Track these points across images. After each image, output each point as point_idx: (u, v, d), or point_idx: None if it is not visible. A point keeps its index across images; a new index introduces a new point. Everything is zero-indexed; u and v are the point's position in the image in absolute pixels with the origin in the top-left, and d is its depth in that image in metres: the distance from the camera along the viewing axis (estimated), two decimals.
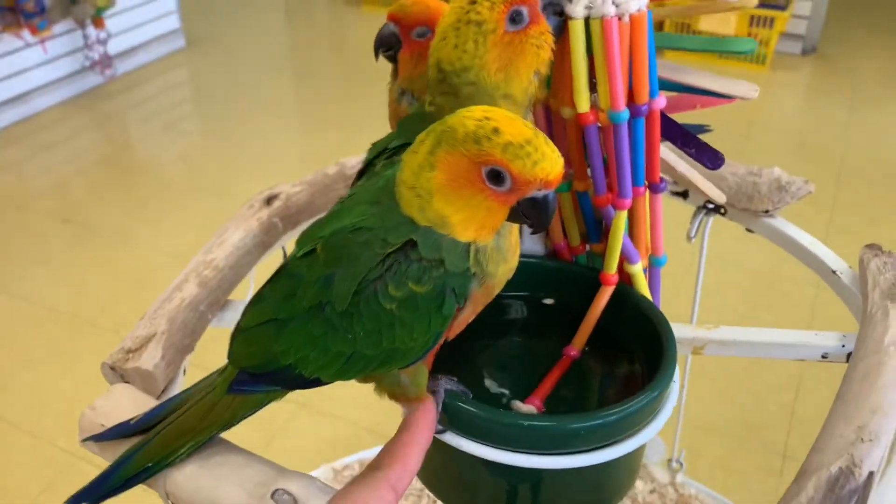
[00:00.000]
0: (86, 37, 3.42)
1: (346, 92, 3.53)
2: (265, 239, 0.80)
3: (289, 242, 0.82)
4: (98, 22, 3.39)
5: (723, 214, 0.90)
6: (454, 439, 0.52)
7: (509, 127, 0.47)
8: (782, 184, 0.86)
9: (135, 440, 0.56)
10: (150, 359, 0.65)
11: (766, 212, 0.86)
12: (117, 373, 0.66)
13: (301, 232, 0.55)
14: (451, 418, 0.53)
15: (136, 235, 2.56)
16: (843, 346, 0.72)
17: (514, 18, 0.52)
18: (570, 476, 0.53)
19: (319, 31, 4.42)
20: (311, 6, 4.70)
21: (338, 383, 0.54)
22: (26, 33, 3.17)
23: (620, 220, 0.56)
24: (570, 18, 0.52)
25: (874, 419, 0.58)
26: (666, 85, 0.56)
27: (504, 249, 0.51)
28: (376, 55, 0.72)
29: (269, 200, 0.80)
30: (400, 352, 0.50)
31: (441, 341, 0.52)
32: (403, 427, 0.52)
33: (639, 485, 1.13)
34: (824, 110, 3.40)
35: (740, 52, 0.52)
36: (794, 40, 3.87)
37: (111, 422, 0.58)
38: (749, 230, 0.90)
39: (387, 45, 0.70)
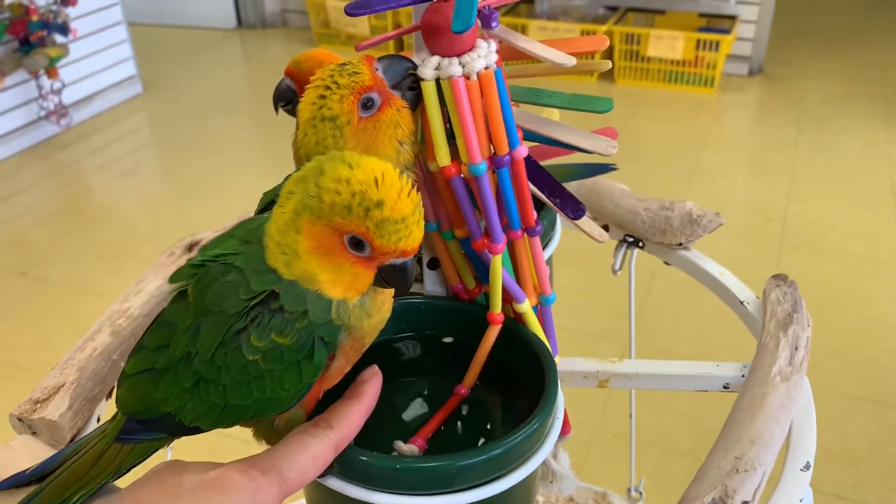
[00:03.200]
0: (40, 87, 3.42)
1: None
2: None
3: None
4: (52, 72, 3.40)
5: (641, 248, 0.92)
6: (339, 484, 0.53)
7: (395, 202, 0.46)
8: (694, 217, 0.88)
9: (29, 490, 0.56)
10: (55, 409, 0.66)
11: (680, 244, 0.89)
12: (25, 423, 0.67)
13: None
14: (332, 463, 0.53)
15: (95, 285, 2.55)
16: (743, 376, 0.74)
17: (366, 105, 0.54)
18: None
19: (276, 72, 4.41)
20: (267, 49, 4.74)
21: None
22: None
23: (497, 264, 0.59)
24: (422, 80, 0.54)
25: (752, 449, 0.59)
26: (534, 136, 0.59)
27: (368, 306, 0.51)
28: (276, 109, 0.75)
29: (190, 247, 0.81)
30: (273, 401, 0.51)
31: (318, 391, 0.53)
32: (353, 395, 0.53)
33: None
34: (773, 129, 3.49)
35: (598, 111, 0.54)
36: (740, 62, 3.98)
37: (7, 473, 0.59)
38: (667, 263, 0.93)
39: (285, 100, 0.73)
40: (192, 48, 4.68)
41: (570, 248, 0.79)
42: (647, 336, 2.21)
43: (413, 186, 0.48)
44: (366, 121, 0.54)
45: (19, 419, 0.67)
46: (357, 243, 0.47)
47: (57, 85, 3.46)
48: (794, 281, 0.80)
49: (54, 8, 3.37)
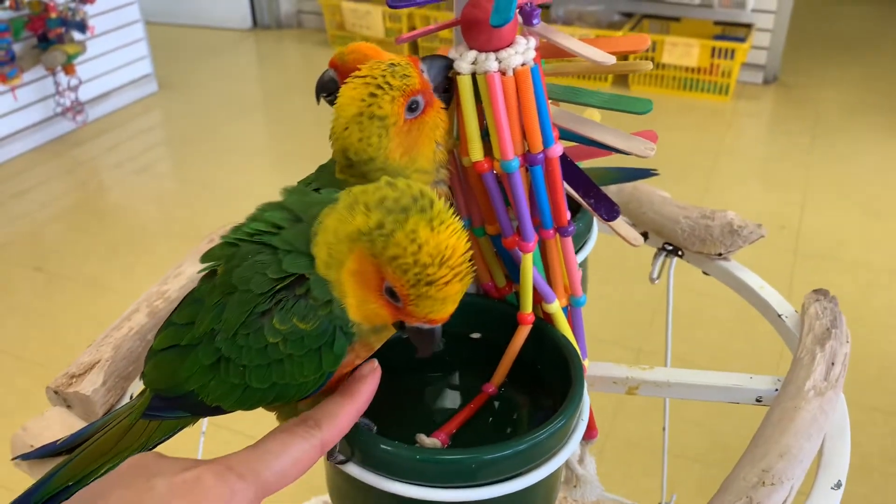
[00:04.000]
0: (57, 83, 3.44)
1: (317, 133, 3.55)
2: None
3: None
4: (69, 69, 3.42)
5: (680, 257, 0.91)
6: (358, 472, 0.54)
7: (446, 284, 0.45)
8: (734, 227, 0.86)
9: (59, 460, 0.58)
10: (90, 384, 0.68)
11: (720, 255, 0.87)
12: (60, 396, 0.69)
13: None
14: (353, 450, 0.54)
15: (108, 281, 2.56)
16: (776, 389, 0.72)
17: (412, 107, 0.55)
18: None
19: (291, 73, 4.47)
20: (282, 49, 4.75)
21: None
22: None
23: (528, 262, 0.59)
24: (458, 74, 0.55)
25: (780, 463, 0.58)
26: (572, 136, 0.58)
27: (379, 328, 0.52)
28: (318, 100, 0.75)
29: None
30: (293, 387, 0.51)
31: (340, 379, 0.53)
32: (347, 392, 0.52)
33: None
34: (787, 138, 3.48)
35: (637, 111, 0.54)
36: (755, 70, 3.97)
37: (40, 443, 0.61)
38: (705, 273, 0.91)
39: (327, 91, 0.73)
40: (207, 48, 4.69)
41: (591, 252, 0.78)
42: (660, 341, 2.21)
43: (473, 266, 0.47)
44: (410, 122, 0.55)
45: (55, 392, 0.69)
46: (393, 293, 0.47)
47: (74, 82, 3.48)
48: (834, 297, 0.78)
49: (73, 5, 3.39)
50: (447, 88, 0.57)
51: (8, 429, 2.05)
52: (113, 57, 3.79)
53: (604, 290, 2.38)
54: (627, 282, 2.35)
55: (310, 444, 0.48)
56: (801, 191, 3.02)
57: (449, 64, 0.56)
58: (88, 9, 3.47)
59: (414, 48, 0.83)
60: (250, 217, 0.53)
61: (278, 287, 0.49)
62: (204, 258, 0.54)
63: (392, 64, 0.55)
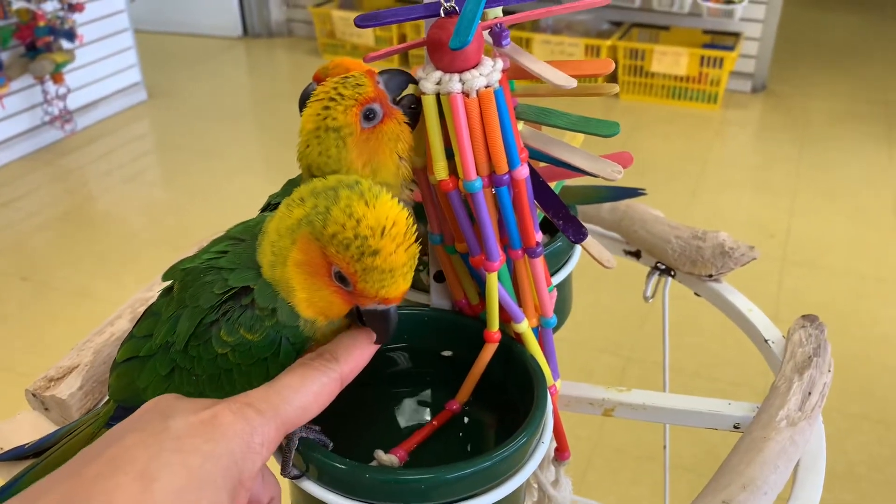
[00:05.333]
0: (45, 92, 3.43)
1: None
2: None
3: None
4: (57, 77, 3.41)
5: (672, 276, 0.90)
6: (315, 489, 0.53)
7: (391, 254, 0.45)
8: (726, 249, 0.85)
9: (27, 463, 0.60)
10: (67, 388, 0.69)
11: (710, 276, 0.86)
12: (38, 399, 0.70)
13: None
14: (308, 466, 0.54)
15: (96, 291, 2.55)
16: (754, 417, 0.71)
17: (368, 116, 0.55)
18: None
19: (281, 82, 4.47)
20: (272, 58, 4.75)
21: None
22: None
23: (492, 281, 0.58)
24: (423, 94, 0.55)
25: (742, 494, 0.57)
26: (543, 156, 0.59)
27: (336, 325, 0.51)
28: (301, 112, 0.75)
29: None
30: None
31: None
32: (358, 330, 0.51)
33: None
34: (776, 147, 3.49)
35: (604, 134, 0.53)
36: (743, 79, 3.98)
37: (10, 445, 0.63)
38: (697, 294, 0.90)
39: None
40: (197, 56, 4.69)
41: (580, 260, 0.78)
42: (648, 349, 2.21)
43: (417, 237, 0.47)
44: (368, 132, 0.55)
45: (33, 395, 0.70)
46: (342, 278, 0.47)
47: (62, 90, 3.46)
48: (822, 323, 0.77)
49: (61, 14, 3.38)
50: (413, 107, 0.57)
51: None
52: (102, 65, 3.78)
53: (594, 298, 2.38)
54: (617, 290, 2.36)
55: (328, 377, 0.47)
56: (789, 199, 3.03)
57: (408, 79, 0.56)
58: (77, 17, 3.47)
59: (404, 61, 0.83)
60: (201, 251, 0.55)
61: (224, 298, 0.50)
62: (165, 276, 0.55)
63: (345, 76, 0.55)
